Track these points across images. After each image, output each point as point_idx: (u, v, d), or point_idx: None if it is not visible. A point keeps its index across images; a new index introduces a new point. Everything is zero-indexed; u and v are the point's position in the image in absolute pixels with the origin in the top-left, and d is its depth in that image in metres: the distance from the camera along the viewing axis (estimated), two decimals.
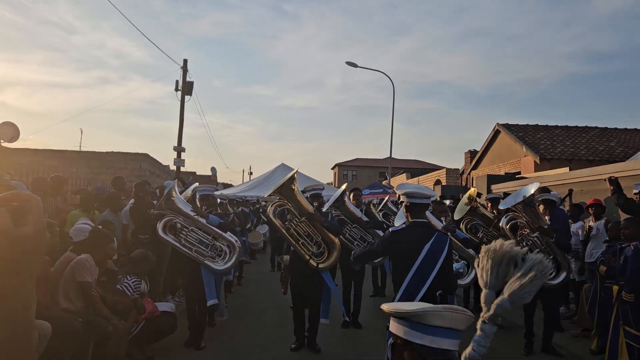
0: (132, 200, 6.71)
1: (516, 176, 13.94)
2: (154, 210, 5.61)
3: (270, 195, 5.47)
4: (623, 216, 6.00)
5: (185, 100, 18.58)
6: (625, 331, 4.82)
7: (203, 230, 5.52)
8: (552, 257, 5.59)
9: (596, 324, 5.66)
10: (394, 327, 1.77)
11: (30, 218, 0.73)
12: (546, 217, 5.95)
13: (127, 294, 4.85)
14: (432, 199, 3.79)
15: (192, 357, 5.26)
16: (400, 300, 3.47)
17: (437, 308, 1.67)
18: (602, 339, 5.57)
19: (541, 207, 6.08)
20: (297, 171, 5.45)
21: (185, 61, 18.50)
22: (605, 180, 6.23)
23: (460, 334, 1.72)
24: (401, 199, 3.92)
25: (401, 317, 1.74)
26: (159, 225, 5.43)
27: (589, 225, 6.74)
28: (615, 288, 5.04)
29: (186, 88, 18.33)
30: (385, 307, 1.83)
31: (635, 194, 5.79)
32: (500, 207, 6.20)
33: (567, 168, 12.92)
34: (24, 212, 0.74)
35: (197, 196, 6.14)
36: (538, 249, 5.59)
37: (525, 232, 5.71)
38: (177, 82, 18.38)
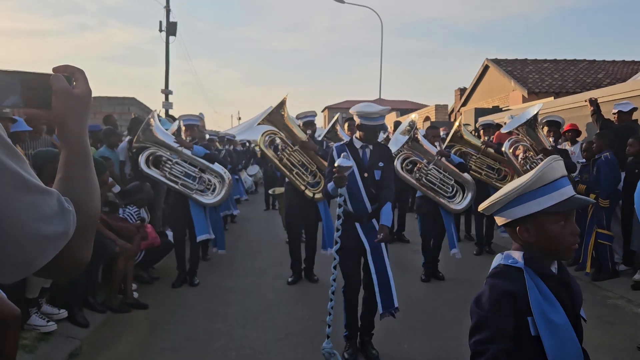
0: (128, 137, 6.83)
1: (503, 108, 14.11)
2: (134, 144, 5.42)
3: (260, 124, 5.47)
4: None
5: (170, 42, 18.25)
6: (598, 233, 5.47)
7: (188, 163, 5.34)
8: None
9: None
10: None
11: (81, 83, 0.96)
12: (550, 139, 6.01)
13: (130, 222, 5.09)
14: (381, 116, 3.60)
15: (186, 294, 5.18)
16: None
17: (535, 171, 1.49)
18: (576, 251, 6.02)
19: (545, 129, 6.17)
20: (287, 97, 5.32)
21: (167, 0, 18.02)
22: (585, 101, 6.44)
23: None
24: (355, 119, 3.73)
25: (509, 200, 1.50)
26: (141, 159, 5.25)
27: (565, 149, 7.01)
28: (591, 197, 5.45)
29: (170, 28, 17.96)
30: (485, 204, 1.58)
31: (613, 114, 6.02)
32: (503, 130, 6.24)
33: (552, 98, 13.09)
34: (77, 77, 0.97)
35: (182, 126, 5.88)
36: None
37: (530, 155, 5.77)
38: (160, 22, 18.02)
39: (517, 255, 1.50)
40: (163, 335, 4.10)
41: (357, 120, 3.67)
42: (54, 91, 0.90)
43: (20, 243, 0.74)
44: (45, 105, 0.91)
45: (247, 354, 3.75)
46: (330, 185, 3.54)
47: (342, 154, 3.34)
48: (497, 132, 7.75)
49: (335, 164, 3.27)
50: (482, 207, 1.60)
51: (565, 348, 1.40)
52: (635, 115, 6.05)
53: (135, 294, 4.86)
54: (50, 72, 0.93)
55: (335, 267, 3.24)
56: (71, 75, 0.95)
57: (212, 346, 3.89)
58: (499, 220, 1.55)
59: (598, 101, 6.37)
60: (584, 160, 5.96)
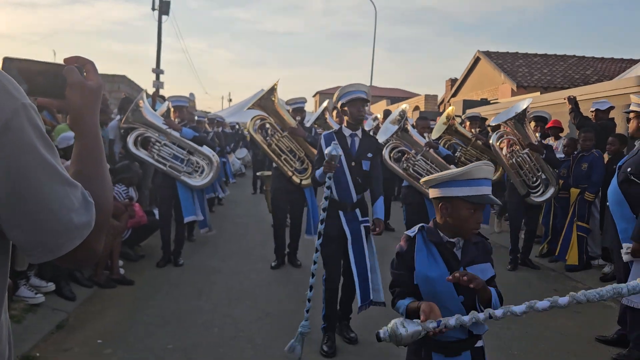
0: (118, 116, 6.85)
1: (491, 101, 14.29)
2: (123, 124, 5.46)
3: (250, 108, 5.49)
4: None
5: (162, 21, 18.09)
6: (578, 226, 5.66)
7: (177, 145, 5.39)
8: (540, 173, 5.83)
9: (551, 231, 6.28)
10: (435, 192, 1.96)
11: (92, 75, 0.99)
12: (537, 134, 6.10)
13: (119, 200, 5.18)
14: (361, 91, 3.64)
15: (171, 273, 5.30)
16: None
17: (474, 165, 1.92)
18: (552, 243, 6.23)
19: (532, 124, 6.25)
20: (278, 82, 5.31)
21: None
22: (564, 99, 6.61)
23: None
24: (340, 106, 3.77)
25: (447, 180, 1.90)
26: (129, 139, 5.30)
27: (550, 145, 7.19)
28: (574, 191, 5.69)
29: (163, 7, 17.79)
30: (426, 178, 2.01)
31: (591, 112, 6.20)
32: (492, 123, 6.30)
33: (539, 93, 13.27)
34: (87, 69, 0.99)
35: (171, 107, 5.92)
36: (527, 165, 5.82)
37: (516, 149, 5.84)
38: (153, 1, 17.86)
39: (416, 227, 1.99)
40: (148, 311, 4.23)
41: (339, 104, 3.74)
42: (69, 83, 0.94)
43: (54, 230, 0.83)
44: (58, 95, 0.94)
45: (229, 331, 3.90)
46: (318, 171, 3.59)
47: (332, 142, 3.35)
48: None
49: (325, 152, 3.32)
50: (423, 180, 2.06)
51: (439, 296, 1.85)
52: (612, 114, 6.22)
53: (122, 271, 4.98)
54: (58, 61, 0.97)
55: (317, 259, 3.25)
56: (82, 66, 0.98)
57: (195, 322, 4.03)
58: (431, 193, 1.97)
59: (581, 99, 6.53)
60: (563, 155, 6.15)
